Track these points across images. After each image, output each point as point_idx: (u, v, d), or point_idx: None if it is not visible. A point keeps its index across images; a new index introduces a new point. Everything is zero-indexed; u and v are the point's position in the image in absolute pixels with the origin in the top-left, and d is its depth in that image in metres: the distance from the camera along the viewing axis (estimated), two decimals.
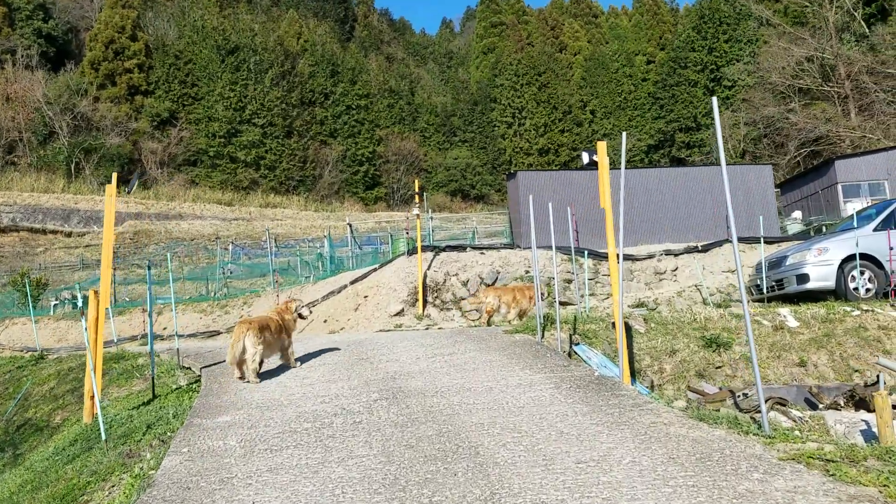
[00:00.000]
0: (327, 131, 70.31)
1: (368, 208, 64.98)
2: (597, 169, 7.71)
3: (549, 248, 16.90)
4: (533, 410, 5.41)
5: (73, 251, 46.00)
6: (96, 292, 7.87)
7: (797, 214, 22.24)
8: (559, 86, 76.17)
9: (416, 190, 16.29)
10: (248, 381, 7.66)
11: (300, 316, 8.86)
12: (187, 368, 9.92)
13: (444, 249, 17.70)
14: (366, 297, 16.60)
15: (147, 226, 52.46)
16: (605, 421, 4.93)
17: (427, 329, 14.46)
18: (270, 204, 61.59)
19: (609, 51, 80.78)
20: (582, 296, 14.86)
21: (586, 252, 14.85)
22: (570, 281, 16.40)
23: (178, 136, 64.82)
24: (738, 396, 6.43)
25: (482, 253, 17.51)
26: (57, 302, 26.71)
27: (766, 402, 6.39)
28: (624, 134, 7.20)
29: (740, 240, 17.94)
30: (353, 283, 17.30)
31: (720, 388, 8.34)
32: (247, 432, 5.63)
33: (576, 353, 9.35)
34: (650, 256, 16.94)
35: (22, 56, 60.79)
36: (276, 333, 8.17)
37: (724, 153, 6.94)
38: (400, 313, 15.79)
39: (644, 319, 10.78)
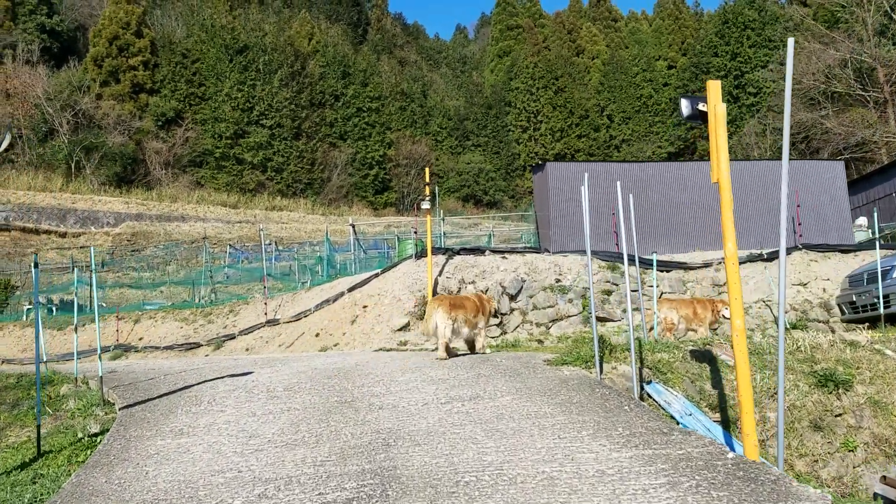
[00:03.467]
0: (337, 133, 67.87)
1: (378, 213, 62.45)
2: (703, 123, 5.08)
3: (583, 252, 14.25)
4: None
5: (66, 252, 43.68)
6: None
7: (862, 221, 19.41)
8: (576, 90, 73.47)
9: (426, 180, 13.61)
10: (437, 358, 8.21)
11: (496, 313, 9.65)
12: (111, 404, 7.29)
13: (458, 253, 15.01)
14: (365, 307, 13.92)
15: (146, 227, 50.28)
16: None
17: (437, 349, 11.78)
18: (276, 207, 59.17)
19: (628, 55, 78.05)
20: (637, 309, 12.07)
21: (654, 257, 11.96)
22: (609, 293, 13.67)
23: (184, 136, 62.52)
24: None
25: (504, 258, 14.81)
26: (31, 306, 24.20)
27: None
28: (791, 40, 4.57)
29: (811, 247, 15.15)
30: (350, 290, 14.63)
31: None
32: None
33: (649, 396, 6.65)
34: (707, 265, 14.18)
35: (23, 51, 58.77)
36: (471, 313, 8.47)
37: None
38: (405, 328, 13.10)
39: (732, 347, 8.05)
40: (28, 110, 56.05)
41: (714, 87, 5.07)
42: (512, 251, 15.27)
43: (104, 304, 24.05)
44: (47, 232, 47.41)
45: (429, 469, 3.98)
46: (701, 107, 5.11)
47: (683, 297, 12.59)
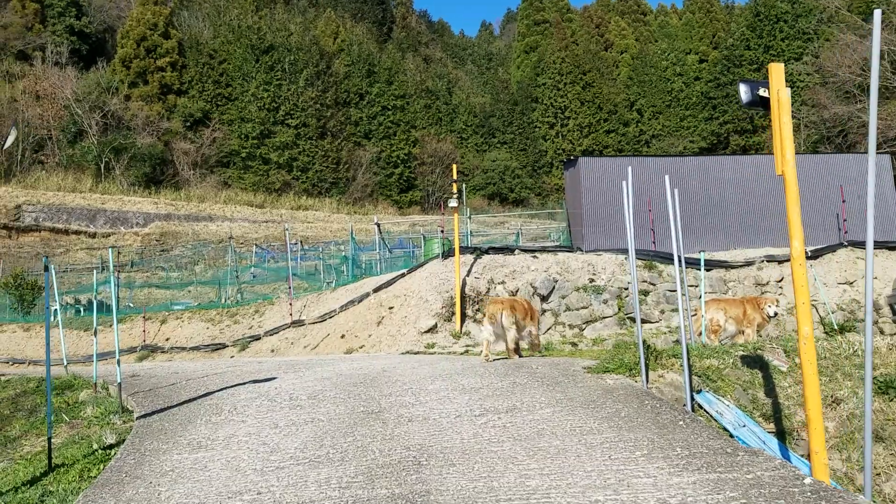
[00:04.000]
0: (362, 132, 67.77)
1: (402, 211, 62.20)
2: (765, 110, 4.61)
3: (620, 251, 13.76)
4: None
5: (95, 253, 44.07)
6: None
7: None
8: (604, 85, 72.48)
9: (454, 177, 13.20)
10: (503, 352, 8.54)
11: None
12: (129, 412, 7.01)
13: (486, 252, 14.59)
14: (391, 308, 13.57)
15: (174, 227, 50.59)
16: None
17: (466, 352, 11.38)
18: (302, 206, 59.26)
19: (658, 49, 76.80)
20: (677, 310, 11.47)
21: (702, 256, 11.28)
22: (646, 293, 13.15)
23: (211, 136, 62.90)
24: None
25: (534, 257, 14.36)
26: (57, 307, 24.25)
27: None
28: (878, 12, 4.07)
29: (857, 244, 14.47)
30: (376, 291, 14.29)
31: None
32: None
33: (700, 407, 6.18)
34: (748, 263, 13.59)
35: (52, 53, 59.51)
36: (521, 315, 8.48)
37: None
38: (432, 330, 12.73)
39: (785, 352, 7.52)
40: (57, 112, 56.76)
41: (777, 71, 4.59)
42: (543, 250, 14.80)
43: (131, 305, 24.06)
44: (77, 232, 47.87)
45: (466, 494, 3.57)
46: (762, 92, 4.64)
47: (725, 296, 12.02)
